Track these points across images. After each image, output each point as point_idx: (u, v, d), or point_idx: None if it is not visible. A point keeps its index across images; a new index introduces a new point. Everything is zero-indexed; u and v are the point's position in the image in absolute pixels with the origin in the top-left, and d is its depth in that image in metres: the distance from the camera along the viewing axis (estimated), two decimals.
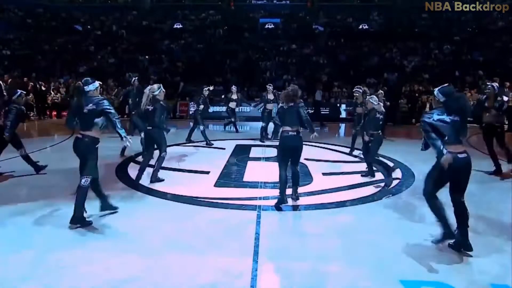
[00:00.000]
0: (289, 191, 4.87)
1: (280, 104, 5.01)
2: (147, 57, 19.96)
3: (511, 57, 17.89)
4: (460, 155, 3.39)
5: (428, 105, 14.23)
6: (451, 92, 3.51)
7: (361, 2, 28.57)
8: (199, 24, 24.97)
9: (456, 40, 20.25)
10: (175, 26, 24.20)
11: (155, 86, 5.71)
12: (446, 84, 3.62)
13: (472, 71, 16.98)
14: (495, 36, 20.12)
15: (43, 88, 14.98)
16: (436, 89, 3.57)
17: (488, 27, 21.40)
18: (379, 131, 5.95)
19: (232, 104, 10.88)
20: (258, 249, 3.51)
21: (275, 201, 4.79)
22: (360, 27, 23.31)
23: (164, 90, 5.76)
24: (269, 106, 9.61)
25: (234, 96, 10.80)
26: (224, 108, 15.58)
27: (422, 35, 21.13)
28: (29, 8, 26.10)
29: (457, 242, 3.50)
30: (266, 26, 24.08)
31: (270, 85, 9.91)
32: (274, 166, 6.60)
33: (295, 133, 4.67)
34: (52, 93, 15.48)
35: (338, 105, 15.86)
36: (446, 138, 3.36)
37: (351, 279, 3.05)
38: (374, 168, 6.18)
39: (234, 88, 11.01)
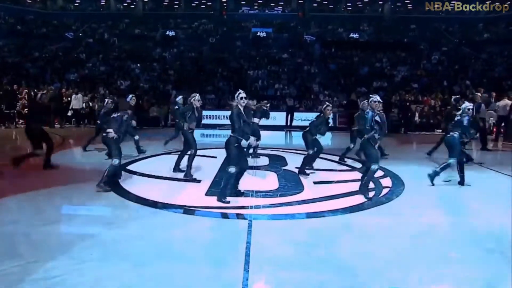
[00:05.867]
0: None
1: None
2: (139, 65, 19.93)
3: (497, 67, 18.34)
4: None
5: (417, 114, 14.44)
6: None
7: (351, 13, 29.07)
8: (192, 32, 25.10)
9: (443, 51, 20.73)
10: (167, 34, 24.29)
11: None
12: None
13: (460, 81, 17.35)
14: (481, 47, 20.65)
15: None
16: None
17: (474, 38, 21.95)
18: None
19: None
20: (249, 258, 3.51)
21: (267, 210, 4.95)
22: (351, 36, 23.73)
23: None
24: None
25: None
26: (214, 113, 15.47)
27: (411, 45, 21.59)
28: (20, 15, 25.95)
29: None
30: (258, 35, 24.33)
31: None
32: (265, 175, 6.68)
33: None
34: None
35: None
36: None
37: None
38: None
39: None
